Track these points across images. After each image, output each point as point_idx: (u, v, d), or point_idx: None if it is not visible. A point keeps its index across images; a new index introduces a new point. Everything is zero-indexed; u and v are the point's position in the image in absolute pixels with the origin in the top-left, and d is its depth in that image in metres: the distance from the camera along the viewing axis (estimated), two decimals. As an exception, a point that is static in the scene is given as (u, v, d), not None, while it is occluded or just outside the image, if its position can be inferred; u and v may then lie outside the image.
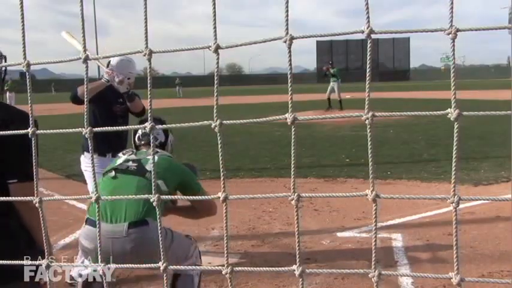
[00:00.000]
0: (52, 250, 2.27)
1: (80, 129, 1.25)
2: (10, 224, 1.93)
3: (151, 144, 1.22)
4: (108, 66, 3.92)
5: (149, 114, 1.17)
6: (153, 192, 1.22)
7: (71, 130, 1.34)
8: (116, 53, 1.43)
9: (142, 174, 2.70)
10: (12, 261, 1.73)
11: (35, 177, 1.31)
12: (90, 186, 3.74)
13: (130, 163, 2.81)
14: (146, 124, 1.18)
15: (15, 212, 1.96)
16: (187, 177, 2.83)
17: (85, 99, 1.24)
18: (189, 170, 2.91)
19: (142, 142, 3.06)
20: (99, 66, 3.93)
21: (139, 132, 3.09)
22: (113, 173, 2.76)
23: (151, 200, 1.21)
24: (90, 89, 3.65)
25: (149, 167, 2.71)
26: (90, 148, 1.26)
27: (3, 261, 1.58)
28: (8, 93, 27.11)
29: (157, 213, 1.19)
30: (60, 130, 1.55)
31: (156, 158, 2.73)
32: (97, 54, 1.27)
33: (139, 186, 2.65)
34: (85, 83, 1.25)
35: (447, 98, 0.95)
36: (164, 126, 1.21)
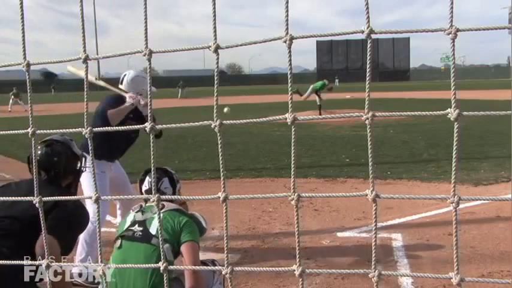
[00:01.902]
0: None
1: (79, 129, 1.25)
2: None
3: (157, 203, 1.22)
4: (122, 81, 3.90)
5: (149, 114, 1.17)
6: (153, 193, 1.22)
7: (71, 130, 1.34)
8: (115, 53, 1.44)
9: (148, 241, 2.60)
10: (12, 262, 1.73)
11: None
12: (87, 190, 3.70)
13: (136, 227, 2.69)
14: (146, 124, 1.18)
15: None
16: (187, 230, 2.69)
17: (85, 101, 1.24)
18: (194, 227, 2.75)
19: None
20: (120, 90, 3.87)
21: (146, 185, 2.94)
22: (119, 242, 2.66)
23: (151, 201, 1.22)
24: (118, 114, 3.66)
25: (154, 230, 2.63)
26: (90, 149, 1.26)
27: (3, 261, 1.58)
28: (13, 97, 27.34)
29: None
30: (60, 130, 1.56)
31: (162, 217, 2.62)
32: (97, 54, 1.27)
33: (146, 255, 2.56)
34: (85, 82, 1.25)
35: (447, 98, 0.96)
36: (164, 126, 1.21)
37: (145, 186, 2.97)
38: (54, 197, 1.44)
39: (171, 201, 2.87)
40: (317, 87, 17.72)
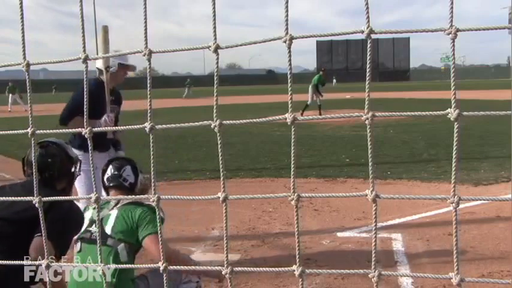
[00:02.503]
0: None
1: (79, 129, 1.25)
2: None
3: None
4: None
5: (149, 114, 1.17)
6: (153, 193, 1.22)
7: (71, 130, 1.34)
8: (115, 53, 1.44)
9: (104, 242, 2.55)
10: (12, 262, 1.73)
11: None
12: (80, 189, 3.68)
13: (93, 227, 2.63)
14: (146, 124, 1.18)
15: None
16: (144, 224, 2.61)
17: (85, 102, 1.24)
18: (151, 216, 2.64)
19: (111, 185, 2.83)
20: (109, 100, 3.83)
21: (109, 172, 2.87)
22: (79, 245, 2.62)
23: (151, 200, 1.22)
24: (81, 124, 3.63)
25: (109, 229, 2.59)
26: (90, 149, 1.26)
27: (3, 262, 1.58)
28: (10, 95, 27.17)
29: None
30: (60, 130, 1.57)
31: (116, 214, 2.60)
32: (97, 54, 1.27)
33: (103, 257, 2.54)
34: (84, 82, 1.25)
35: (447, 98, 0.95)
36: (164, 126, 1.21)
37: (107, 174, 2.89)
38: (51, 197, 1.43)
39: (132, 190, 2.81)
40: (315, 82, 17.71)
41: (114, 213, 2.63)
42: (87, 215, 2.70)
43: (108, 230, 2.59)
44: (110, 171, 2.87)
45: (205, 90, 36.83)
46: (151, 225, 2.57)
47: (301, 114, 16.41)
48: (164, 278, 1.24)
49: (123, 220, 2.59)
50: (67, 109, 3.68)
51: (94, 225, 2.63)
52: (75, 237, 2.68)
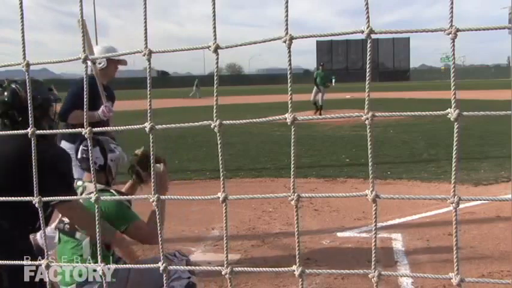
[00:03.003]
0: None
1: (79, 129, 1.25)
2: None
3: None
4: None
5: (149, 114, 1.17)
6: (153, 192, 1.22)
7: (70, 130, 1.34)
8: (115, 53, 1.44)
9: (73, 235, 2.57)
10: (13, 262, 1.73)
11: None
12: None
13: (65, 218, 2.63)
14: (146, 124, 1.18)
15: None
16: (113, 215, 2.60)
17: (84, 102, 1.24)
18: (117, 208, 2.63)
19: (83, 167, 2.84)
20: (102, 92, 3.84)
21: (79, 155, 2.85)
22: (57, 236, 2.65)
23: (150, 201, 1.22)
24: (78, 119, 3.59)
25: None
26: (90, 148, 1.26)
27: (3, 262, 1.58)
28: None
29: None
30: (60, 130, 1.57)
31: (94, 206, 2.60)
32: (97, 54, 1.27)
33: (73, 250, 2.55)
34: (84, 82, 1.25)
35: (447, 98, 0.95)
36: (164, 126, 1.21)
37: (78, 155, 2.86)
38: (52, 199, 1.43)
39: (103, 171, 2.80)
40: (316, 78, 17.69)
41: None
42: None
43: None
44: (79, 153, 2.85)
45: (205, 90, 36.76)
46: (124, 219, 2.61)
47: (320, 114, 16.43)
48: (164, 279, 1.24)
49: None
50: (65, 104, 3.75)
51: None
52: (55, 227, 2.71)
